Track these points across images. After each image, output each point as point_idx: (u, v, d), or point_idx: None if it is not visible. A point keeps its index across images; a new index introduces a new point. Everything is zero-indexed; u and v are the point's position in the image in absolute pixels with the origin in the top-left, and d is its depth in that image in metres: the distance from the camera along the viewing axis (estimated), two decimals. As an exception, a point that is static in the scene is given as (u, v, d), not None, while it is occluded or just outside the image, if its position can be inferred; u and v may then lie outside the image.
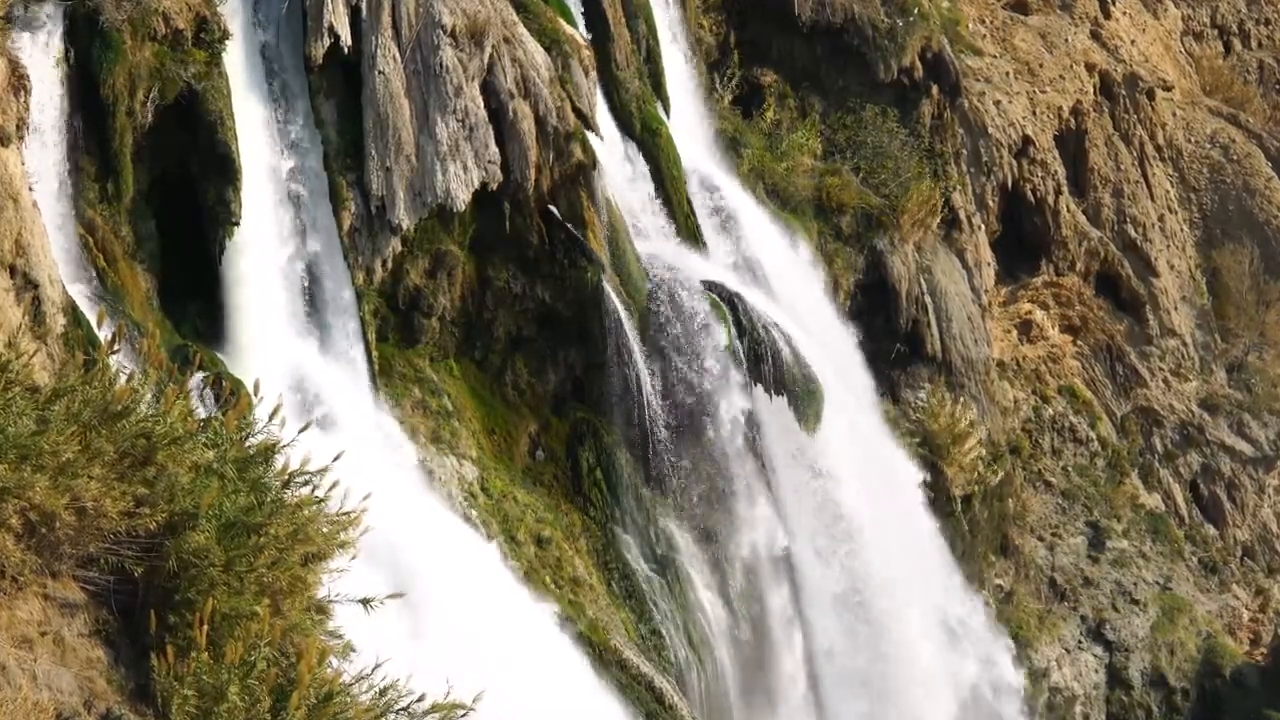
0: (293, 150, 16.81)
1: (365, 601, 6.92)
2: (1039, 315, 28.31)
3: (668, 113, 21.29)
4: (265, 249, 16.39)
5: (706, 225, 21.06)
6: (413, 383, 17.55)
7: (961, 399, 24.10)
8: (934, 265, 24.30)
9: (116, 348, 7.53)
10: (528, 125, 17.79)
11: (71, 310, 14.15)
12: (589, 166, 18.34)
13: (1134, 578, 26.30)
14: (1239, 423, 29.75)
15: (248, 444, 6.99)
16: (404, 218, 17.12)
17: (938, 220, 24.81)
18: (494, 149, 17.50)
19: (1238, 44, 35.60)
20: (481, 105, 17.52)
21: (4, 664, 5.73)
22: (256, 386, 7.68)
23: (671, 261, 19.76)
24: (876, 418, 22.57)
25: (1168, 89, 31.80)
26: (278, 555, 6.43)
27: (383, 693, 6.44)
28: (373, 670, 6.43)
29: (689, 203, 20.84)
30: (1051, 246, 28.26)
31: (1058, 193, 28.15)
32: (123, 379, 6.87)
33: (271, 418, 7.07)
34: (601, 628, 17.36)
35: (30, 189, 14.18)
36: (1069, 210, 28.40)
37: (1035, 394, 27.67)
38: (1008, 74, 27.83)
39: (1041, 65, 28.51)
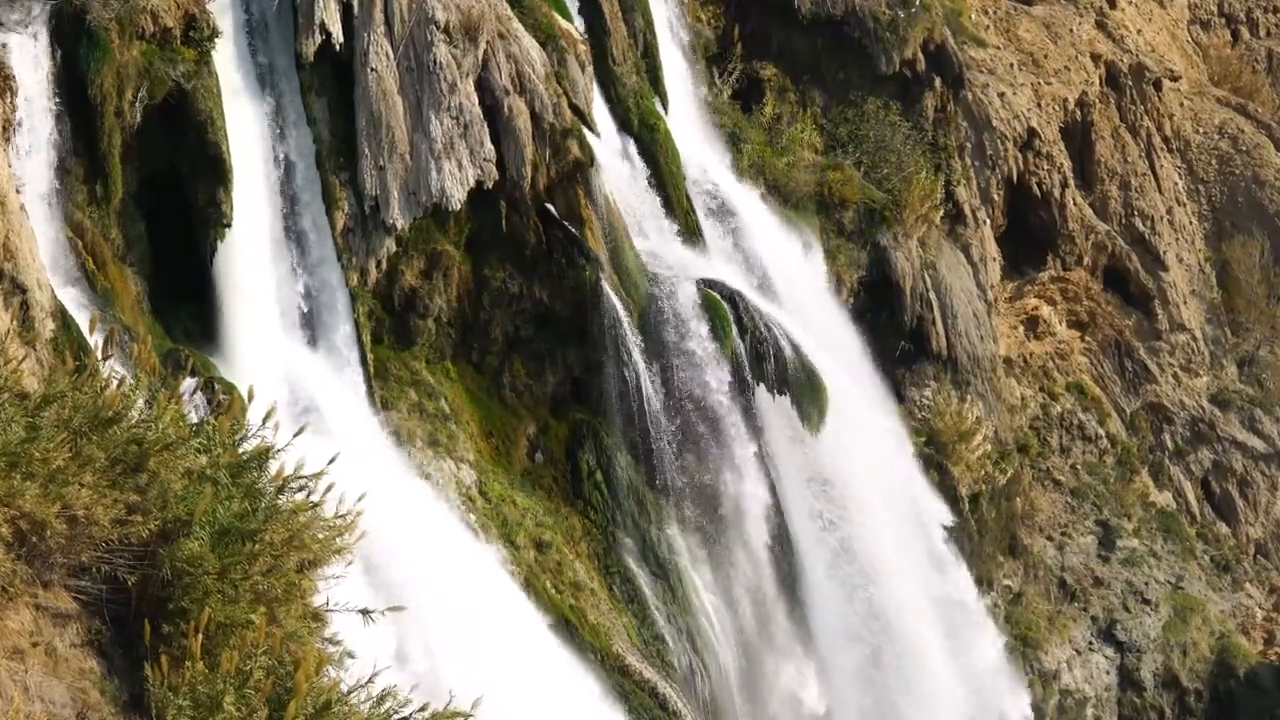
0: (285, 150, 16.58)
1: (365, 612, 6.77)
2: (1046, 311, 28.00)
3: (666, 108, 21.05)
4: (257, 250, 16.18)
5: (706, 222, 20.82)
6: (409, 385, 17.33)
7: (968, 397, 23.83)
8: (938, 261, 24.02)
9: (110, 352, 7.39)
10: (523, 122, 17.55)
11: (60, 315, 13.93)
12: (586, 164, 18.10)
13: (1145, 577, 26.01)
14: (1251, 418, 29.43)
15: (241, 449, 6.87)
16: (398, 217, 16.90)
17: (941, 215, 24.53)
18: (489, 147, 17.27)
19: (1246, 32, 35.22)
20: (476, 102, 17.29)
21: (-4, 676, 5.56)
22: (251, 392, 7.48)
23: (671, 259, 19.50)
24: (882, 414, 22.30)
25: (1175, 79, 31.45)
26: (273, 562, 6.33)
27: (380, 700, 6.28)
28: (370, 679, 6.23)
29: (688, 199, 20.60)
30: (1058, 241, 27.95)
31: (1064, 186, 27.82)
32: (114, 384, 6.71)
33: (265, 422, 6.90)
34: (604, 633, 17.11)
35: (17, 191, 13.96)
36: (1075, 203, 28.07)
37: (1043, 391, 27.38)
38: (1012, 65, 27.50)
39: (1046, 56, 28.17)
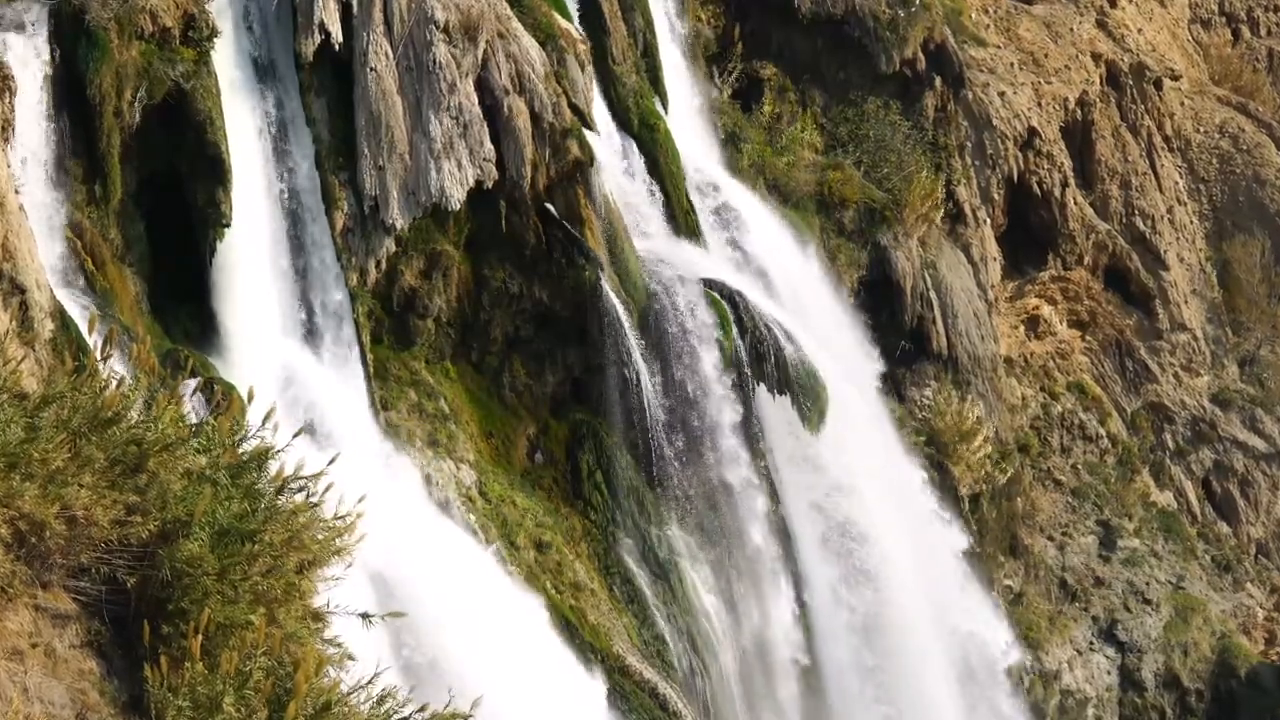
0: (284, 150, 16.56)
1: (365, 616, 6.75)
2: (1046, 310, 27.97)
3: (666, 108, 21.02)
4: (257, 251, 16.18)
5: (706, 222, 20.79)
6: (408, 385, 17.30)
7: (968, 396, 23.80)
8: (939, 260, 24.00)
9: (109, 352, 7.35)
10: (523, 122, 17.53)
11: (60, 315, 13.92)
12: (586, 163, 18.07)
13: (1146, 577, 25.97)
14: (1251, 418, 29.39)
15: (241, 450, 6.83)
16: (398, 217, 16.87)
17: (941, 214, 24.50)
18: (489, 147, 17.24)
19: (1246, 31, 35.18)
20: (475, 102, 17.26)
21: (-5, 677, 5.54)
22: (250, 392, 7.46)
23: (671, 259, 19.47)
24: (882, 413, 22.26)
25: (1175, 78, 31.41)
26: (272, 563, 6.28)
27: (381, 701, 6.26)
28: (370, 679, 6.21)
29: (688, 199, 20.57)
30: (1059, 240, 27.91)
31: (1064, 185, 27.78)
32: (113, 385, 6.69)
33: (264, 422, 6.88)
34: (604, 633, 17.09)
35: (16, 191, 13.95)
36: (1076, 203, 28.03)
37: (1043, 391, 27.35)
38: (1012, 65, 27.47)
39: (1046, 55, 28.14)
